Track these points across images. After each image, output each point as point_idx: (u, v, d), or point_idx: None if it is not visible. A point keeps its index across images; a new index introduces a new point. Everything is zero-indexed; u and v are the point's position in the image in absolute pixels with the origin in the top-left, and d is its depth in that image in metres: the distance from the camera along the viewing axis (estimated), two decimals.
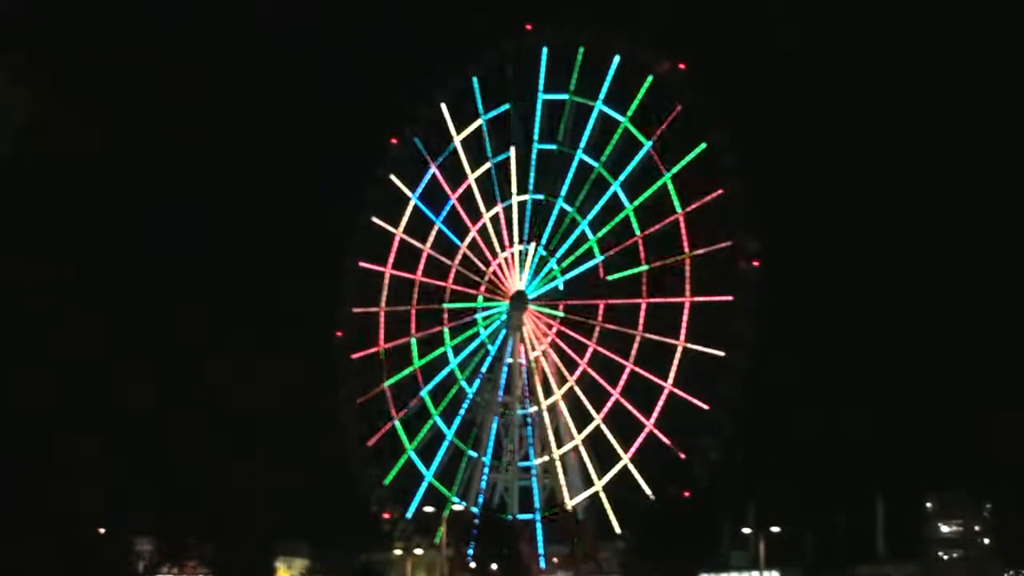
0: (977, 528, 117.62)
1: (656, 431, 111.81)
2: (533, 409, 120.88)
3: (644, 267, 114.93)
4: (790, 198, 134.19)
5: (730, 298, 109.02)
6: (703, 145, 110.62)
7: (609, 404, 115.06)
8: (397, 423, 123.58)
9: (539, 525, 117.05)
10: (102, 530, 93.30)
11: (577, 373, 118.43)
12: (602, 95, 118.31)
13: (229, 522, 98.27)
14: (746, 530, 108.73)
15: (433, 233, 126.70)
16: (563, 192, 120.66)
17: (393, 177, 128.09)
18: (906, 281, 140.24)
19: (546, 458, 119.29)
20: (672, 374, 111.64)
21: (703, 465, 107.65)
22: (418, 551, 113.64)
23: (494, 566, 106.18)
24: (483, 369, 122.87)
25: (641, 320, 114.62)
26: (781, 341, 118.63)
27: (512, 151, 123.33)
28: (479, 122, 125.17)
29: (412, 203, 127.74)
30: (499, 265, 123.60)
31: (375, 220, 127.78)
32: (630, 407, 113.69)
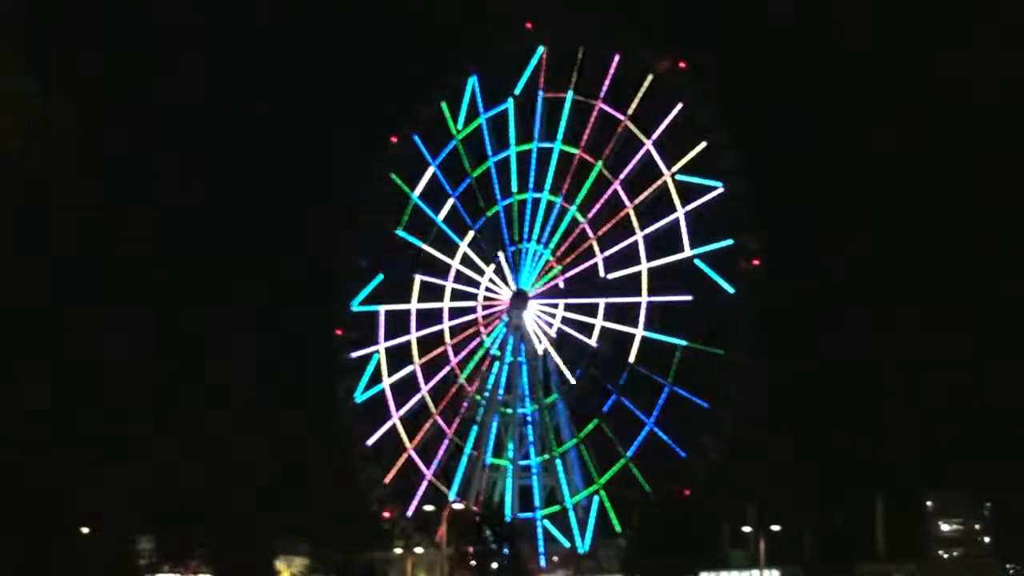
0: (977, 527, 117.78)
1: (656, 430, 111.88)
2: (533, 408, 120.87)
3: (644, 265, 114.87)
4: (790, 198, 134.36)
5: (730, 297, 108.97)
6: (703, 144, 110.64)
7: (609, 403, 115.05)
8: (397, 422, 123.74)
9: (539, 524, 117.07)
10: (102, 530, 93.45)
11: (577, 371, 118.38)
12: (602, 94, 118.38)
13: (229, 522, 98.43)
14: (746, 528, 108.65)
15: (433, 232, 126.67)
16: (563, 191, 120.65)
17: (393, 176, 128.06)
18: (906, 280, 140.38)
19: (546, 457, 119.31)
20: (672, 373, 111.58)
21: (703, 464, 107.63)
22: (418, 550, 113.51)
23: (494, 565, 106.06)
24: (483, 368, 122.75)
25: (641, 319, 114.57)
26: (781, 340, 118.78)
27: (512, 149, 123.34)
28: (479, 121, 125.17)
29: (412, 202, 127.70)
30: (499, 263, 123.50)
31: (375, 218, 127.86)
32: (630, 406, 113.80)
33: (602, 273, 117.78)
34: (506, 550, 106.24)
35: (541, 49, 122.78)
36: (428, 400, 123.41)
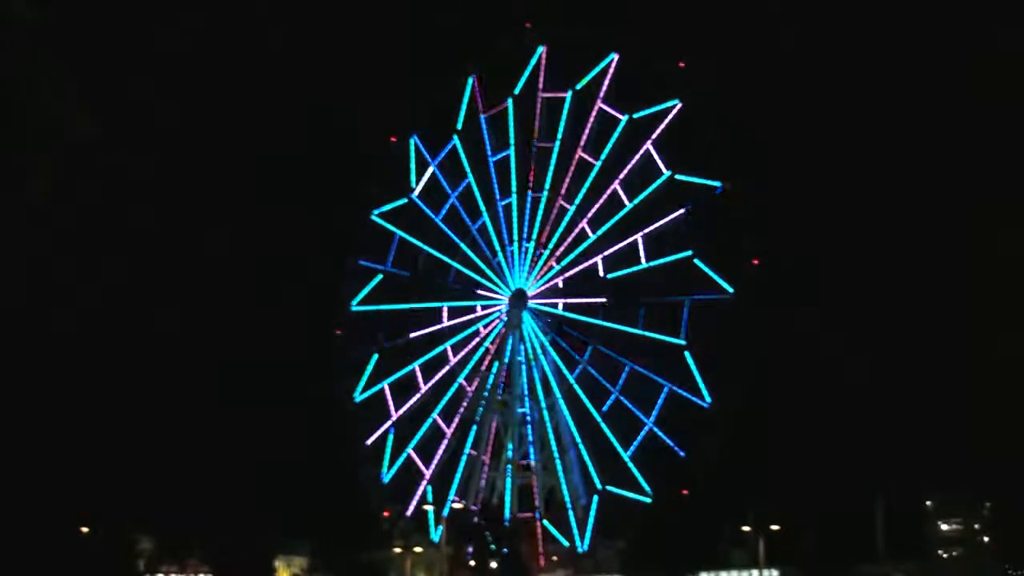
0: (977, 527, 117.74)
1: (656, 430, 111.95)
2: (532, 407, 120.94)
3: (644, 265, 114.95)
4: (790, 197, 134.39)
5: (730, 297, 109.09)
6: (701, 145, 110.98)
7: (609, 403, 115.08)
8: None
9: (539, 523, 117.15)
10: (102, 529, 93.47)
11: (577, 371, 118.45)
12: (602, 93, 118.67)
13: (229, 521, 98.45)
14: (746, 528, 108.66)
15: (433, 231, 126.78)
16: (563, 190, 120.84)
17: (392, 176, 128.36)
18: (906, 280, 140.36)
19: (546, 456, 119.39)
20: (672, 373, 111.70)
21: (703, 464, 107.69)
22: (417, 549, 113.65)
23: (493, 564, 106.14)
24: (483, 367, 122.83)
25: (641, 318, 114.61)
26: (781, 339, 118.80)
27: (512, 149, 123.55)
28: (479, 120, 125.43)
29: (412, 201, 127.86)
30: (499, 263, 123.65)
31: (375, 219, 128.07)
32: (630, 405, 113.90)
33: (602, 273, 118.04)
34: (505, 549, 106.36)
35: (541, 49, 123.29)
36: (427, 400, 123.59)
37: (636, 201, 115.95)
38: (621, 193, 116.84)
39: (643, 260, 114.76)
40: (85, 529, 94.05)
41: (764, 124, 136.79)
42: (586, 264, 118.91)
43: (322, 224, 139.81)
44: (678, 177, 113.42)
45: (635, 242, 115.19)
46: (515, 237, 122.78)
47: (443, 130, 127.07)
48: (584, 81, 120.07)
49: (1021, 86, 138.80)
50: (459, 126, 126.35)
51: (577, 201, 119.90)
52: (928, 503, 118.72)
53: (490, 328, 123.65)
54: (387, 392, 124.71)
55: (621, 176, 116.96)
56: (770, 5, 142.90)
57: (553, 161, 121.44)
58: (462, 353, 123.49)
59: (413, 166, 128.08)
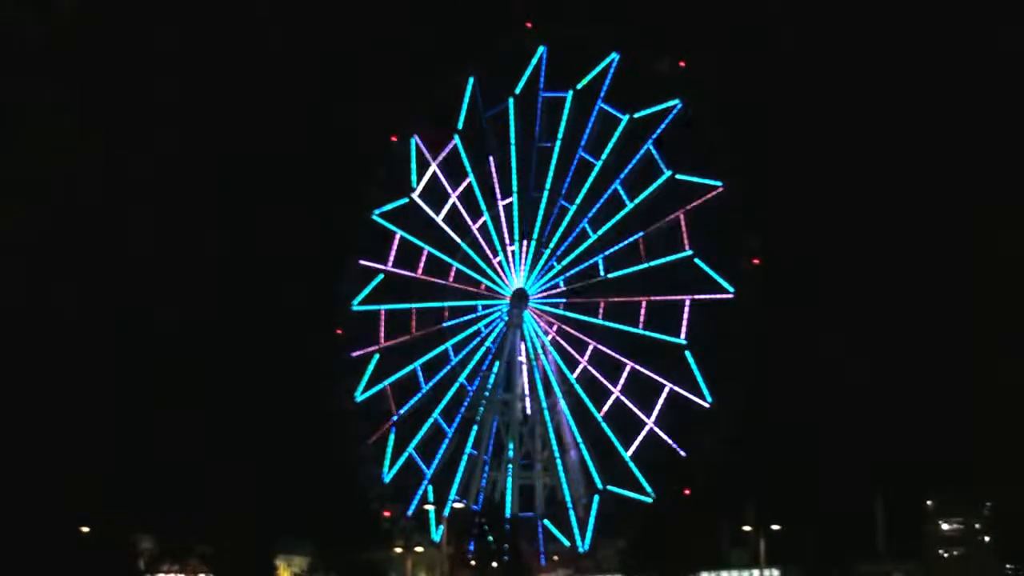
0: (977, 526, 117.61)
1: (656, 429, 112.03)
2: (533, 407, 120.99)
3: (644, 265, 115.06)
4: (790, 197, 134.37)
5: (730, 296, 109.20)
6: (703, 143, 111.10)
7: (610, 402, 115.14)
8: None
9: (539, 523, 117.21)
10: (102, 529, 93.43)
11: (578, 371, 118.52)
12: (602, 93, 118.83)
13: (229, 521, 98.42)
14: (746, 527, 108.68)
15: (433, 231, 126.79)
16: (563, 190, 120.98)
17: (392, 176, 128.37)
18: (906, 280, 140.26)
19: (546, 456, 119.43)
20: (672, 373, 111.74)
21: (703, 464, 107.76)
22: (418, 549, 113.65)
23: (494, 564, 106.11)
24: (483, 367, 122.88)
25: (642, 318, 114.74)
26: (781, 339, 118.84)
27: (512, 149, 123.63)
28: (479, 120, 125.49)
29: (412, 201, 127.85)
30: (499, 263, 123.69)
31: (375, 218, 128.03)
32: (631, 405, 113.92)
33: (602, 273, 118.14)
34: (506, 547, 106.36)
35: (541, 49, 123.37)
36: (428, 400, 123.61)
37: (636, 201, 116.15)
38: (621, 193, 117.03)
39: (643, 260, 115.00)
40: (85, 529, 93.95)
41: (764, 124, 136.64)
42: (586, 264, 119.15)
43: (322, 224, 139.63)
44: (678, 177, 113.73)
45: (635, 242, 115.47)
46: (516, 237, 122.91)
47: (443, 130, 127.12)
48: (584, 81, 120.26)
49: (1021, 86, 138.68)
50: (459, 126, 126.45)
51: (577, 201, 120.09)
52: (928, 503, 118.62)
53: (491, 328, 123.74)
54: (388, 392, 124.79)
55: (621, 176, 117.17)
56: (770, 5, 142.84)
57: (553, 161, 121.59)
58: (463, 352, 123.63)
59: (413, 166, 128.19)
